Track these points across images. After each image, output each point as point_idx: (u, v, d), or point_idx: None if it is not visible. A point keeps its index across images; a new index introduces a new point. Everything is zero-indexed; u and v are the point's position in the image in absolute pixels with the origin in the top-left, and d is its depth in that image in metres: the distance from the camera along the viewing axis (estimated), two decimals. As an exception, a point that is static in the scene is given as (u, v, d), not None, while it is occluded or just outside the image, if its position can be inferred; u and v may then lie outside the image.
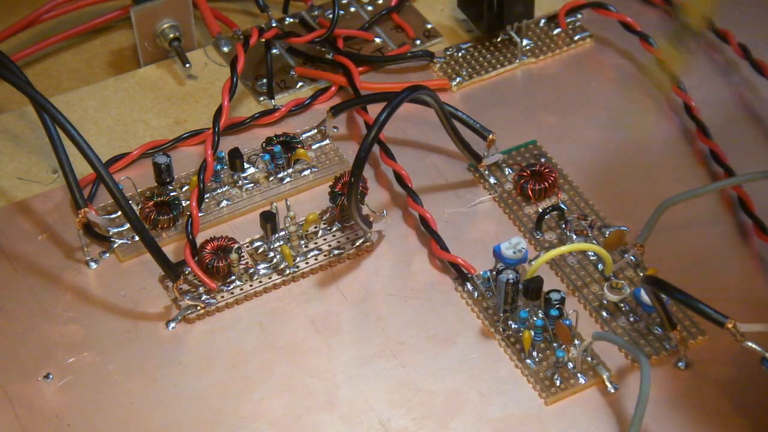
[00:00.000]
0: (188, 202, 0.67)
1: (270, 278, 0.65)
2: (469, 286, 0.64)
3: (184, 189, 0.69)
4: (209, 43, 0.77)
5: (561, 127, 0.72)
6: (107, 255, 0.66)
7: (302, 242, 0.66)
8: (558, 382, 0.61)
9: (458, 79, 0.75)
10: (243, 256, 0.65)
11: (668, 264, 0.65)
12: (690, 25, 0.65)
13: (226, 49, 0.76)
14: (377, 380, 0.61)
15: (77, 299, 0.64)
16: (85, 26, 0.78)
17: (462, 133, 0.68)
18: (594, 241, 0.66)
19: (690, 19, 0.65)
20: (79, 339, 0.63)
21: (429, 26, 0.78)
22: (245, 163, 0.69)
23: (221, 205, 0.68)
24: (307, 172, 0.70)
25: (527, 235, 0.67)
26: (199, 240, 0.65)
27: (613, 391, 0.61)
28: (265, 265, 0.65)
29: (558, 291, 0.62)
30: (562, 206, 0.67)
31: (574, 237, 0.66)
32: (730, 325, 0.56)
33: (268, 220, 0.65)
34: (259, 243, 0.66)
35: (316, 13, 0.79)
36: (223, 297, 0.64)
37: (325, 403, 0.60)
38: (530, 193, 0.68)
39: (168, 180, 0.68)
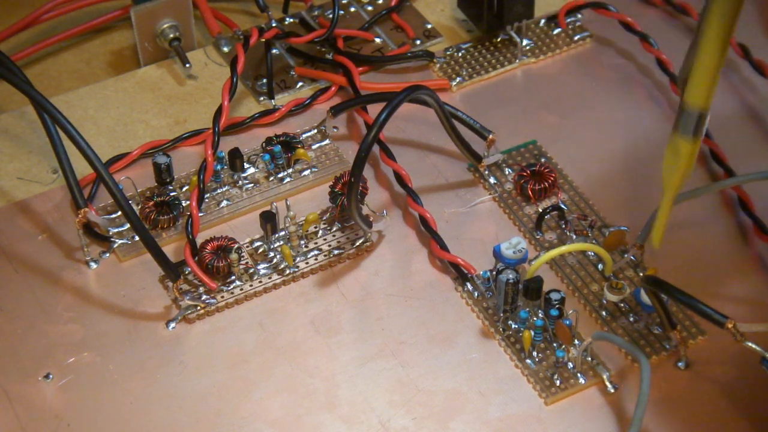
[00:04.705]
0: (188, 202, 0.67)
1: (270, 278, 0.65)
2: (469, 286, 0.64)
3: (184, 189, 0.69)
4: (209, 43, 0.77)
5: (561, 127, 0.72)
6: (107, 255, 0.66)
7: (302, 242, 0.66)
8: (558, 382, 0.61)
9: (458, 79, 0.75)
10: (243, 256, 0.65)
11: (668, 264, 0.65)
12: (693, 107, 0.55)
13: (226, 49, 0.76)
14: (377, 380, 0.61)
15: (77, 299, 0.64)
16: (85, 26, 0.78)
17: (462, 133, 0.68)
18: (594, 241, 0.66)
19: (692, 100, 0.55)
20: (79, 339, 0.63)
21: (429, 26, 0.78)
22: (245, 163, 0.69)
23: (221, 205, 0.68)
24: (307, 172, 0.70)
25: (527, 235, 0.67)
26: (199, 240, 0.65)
27: (613, 391, 0.61)
28: (265, 265, 0.65)
29: (558, 291, 0.62)
30: (562, 206, 0.67)
31: (574, 237, 0.66)
32: (730, 325, 0.56)
33: (268, 220, 0.65)
34: (259, 243, 0.66)
35: (316, 13, 0.79)
36: (223, 297, 0.64)
37: (325, 403, 0.60)
38: (530, 193, 0.68)
39: (168, 180, 0.68)
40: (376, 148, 0.70)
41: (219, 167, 0.69)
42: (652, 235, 0.60)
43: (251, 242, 0.66)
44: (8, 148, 0.71)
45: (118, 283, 0.65)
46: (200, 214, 0.67)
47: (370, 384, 0.61)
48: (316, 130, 0.72)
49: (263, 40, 0.74)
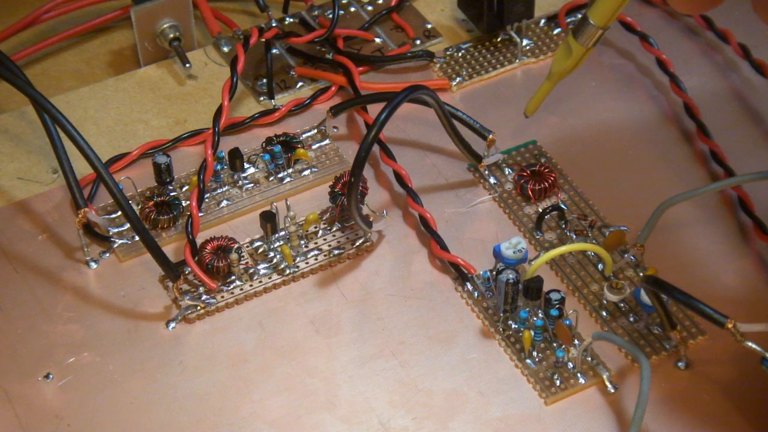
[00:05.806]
0: (188, 202, 0.67)
1: (270, 278, 0.65)
2: (469, 286, 0.64)
3: (184, 189, 0.69)
4: (209, 43, 0.77)
5: (561, 127, 0.72)
6: (107, 255, 0.66)
7: (302, 242, 0.66)
8: (558, 382, 0.61)
9: (458, 79, 0.75)
10: (243, 256, 0.65)
11: (668, 264, 0.65)
12: (595, 24, 0.64)
13: (226, 49, 0.76)
14: (377, 380, 0.61)
15: (77, 299, 0.64)
16: (85, 26, 0.78)
17: (462, 133, 0.68)
18: (594, 241, 0.66)
19: (594, 16, 0.64)
20: (79, 339, 0.63)
21: (429, 26, 0.78)
22: (245, 163, 0.69)
23: (221, 205, 0.68)
24: (307, 172, 0.70)
25: (527, 235, 0.67)
26: (199, 240, 0.65)
27: (613, 391, 0.61)
28: (265, 265, 0.65)
29: (558, 291, 0.62)
30: (562, 206, 0.67)
31: (574, 237, 0.66)
32: (730, 325, 0.56)
33: (268, 220, 0.65)
34: (259, 243, 0.66)
35: (316, 13, 0.79)
36: (223, 297, 0.64)
37: (325, 403, 0.60)
38: (530, 193, 0.68)
39: (168, 180, 0.68)
40: (376, 148, 0.70)
41: (219, 167, 0.69)
42: (528, 105, 0.69)
43: (251, 242, 0.66)
44: (8, 148, 0.71)
45: (118, 283, 0.65)
46: (200, 214, 0.67)
47: (370, 384, 0.61)
48: (316, 130, 0.72)
49: (263, 40, 0.74)
